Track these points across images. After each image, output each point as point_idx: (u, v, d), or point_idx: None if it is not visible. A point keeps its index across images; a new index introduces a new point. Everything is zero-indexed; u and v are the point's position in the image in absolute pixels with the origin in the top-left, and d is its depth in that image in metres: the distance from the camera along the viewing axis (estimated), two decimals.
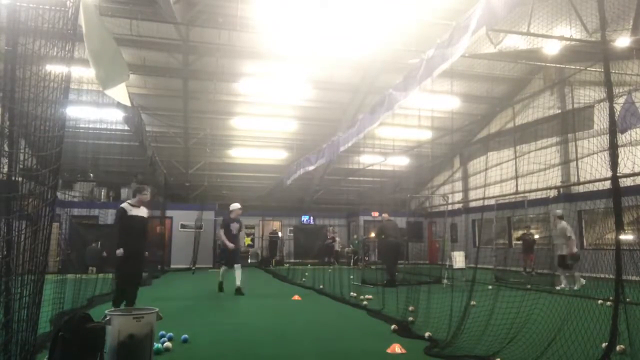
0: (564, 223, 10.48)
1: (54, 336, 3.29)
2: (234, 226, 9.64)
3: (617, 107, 7.17)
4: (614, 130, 4.07)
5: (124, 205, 6.51)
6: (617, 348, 3.99)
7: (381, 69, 15.71)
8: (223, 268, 9.93)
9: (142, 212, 6.61)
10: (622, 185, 4.12)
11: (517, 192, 11.83)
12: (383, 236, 11.79)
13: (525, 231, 14.68)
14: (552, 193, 12.62)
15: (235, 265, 9.50)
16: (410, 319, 6.09)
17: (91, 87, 7.08)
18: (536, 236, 14.71)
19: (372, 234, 22.89)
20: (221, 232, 9.74)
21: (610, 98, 4.20)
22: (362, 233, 22.99)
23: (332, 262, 21.10)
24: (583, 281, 10.06)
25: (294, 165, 16.79)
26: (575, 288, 9.83)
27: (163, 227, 18.41)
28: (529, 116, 15.28)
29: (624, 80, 7.73)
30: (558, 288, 10.01)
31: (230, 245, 9.45)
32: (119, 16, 12.30)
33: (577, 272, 10.31)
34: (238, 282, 9.45)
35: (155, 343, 4.22)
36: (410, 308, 6.61)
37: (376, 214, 23.43)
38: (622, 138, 6.86)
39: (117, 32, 11.70)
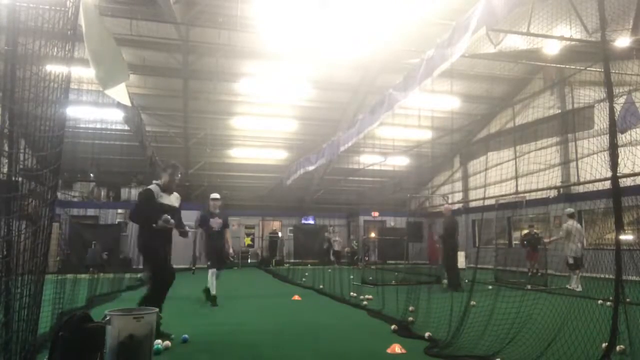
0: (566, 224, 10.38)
1: (54, 336, 3.29)
2: (215, 222, 8.10)
3: (617, 107, 7.17)
4: (614, 130, 4.07)
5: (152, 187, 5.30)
6: (617, 348, 3.98)
7: (381, 69, 15.71)
8: (211, 272, 8.08)
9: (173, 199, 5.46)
10: (622, 185, 4.12)
11: (517, 192, 11.83)
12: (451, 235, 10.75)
13: (529, 230, 14.46)
14: (552, 193, 12.62)
15: (215, 271, 8.01)
16: (410, 319, 6.09)
17: (91, 87, 7.08)
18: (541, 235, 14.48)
19: (372, 234, 22.91)
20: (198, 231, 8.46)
21: (611, 98, 4.20)
22: (362, 233, 22.99)
23: (333, 261, 21.11)
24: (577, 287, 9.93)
25: (294, 165, 16.80)
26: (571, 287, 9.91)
27: None
28: (529, 116, 15.28)
29: (624, 80, 7.73)
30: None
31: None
32: (119, 16, 12.30)
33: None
34: (213, 290, 7.98)
35: (155, 343, 4.21)
36: (410, 308, 6.60)
37: (376, 213, 23.44)
38: (622, 138, 6.86)
39: (117, 32, 11.70)
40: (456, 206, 21.00)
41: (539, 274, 12.97)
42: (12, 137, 2.90)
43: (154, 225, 5.02)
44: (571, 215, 10.33)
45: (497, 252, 15.16)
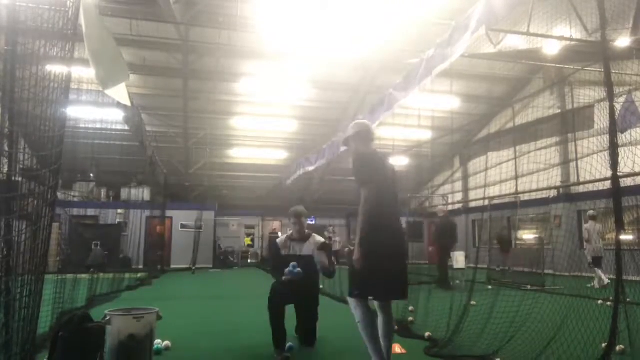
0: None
1: (54, 336, 3.29)
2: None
3: (617, 107, 7.16)
4: (614, 130, 4.06)
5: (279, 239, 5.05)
6: (617, 348, 3.98)
7: (381, 69, 15.71)
8: (360, 311, 3.38)
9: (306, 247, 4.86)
10: (622, 185, 4.12)
11: (517, 192, 11.86)
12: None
13: (499, 231, 15.06)
14: (552, 193, 12.64)
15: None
16: (410, 319, 6.09)
17: (91, 87, 7.07)
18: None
19: None
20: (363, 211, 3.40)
21: (611, 98, 4.19)
22: None
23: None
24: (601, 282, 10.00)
25: (294, 166, 16.81)
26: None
27: (163, 227, 18.44)
28: (529, 116, 15.28)
29: (624, 80, 7.73)
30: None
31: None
32: (119, 16, 12.31)
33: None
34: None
35: (155, 343, 4.21)
36: (410, 308, 6.60)
37: None
38: (622, 138, 6.86)
39: (117, 32, 11.70)
40: (456, 206, 21.01)
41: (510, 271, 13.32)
42: (12, 137, 2.90)
43: (283, 278, 4.68)
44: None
45: (491, 253, 15.26)
